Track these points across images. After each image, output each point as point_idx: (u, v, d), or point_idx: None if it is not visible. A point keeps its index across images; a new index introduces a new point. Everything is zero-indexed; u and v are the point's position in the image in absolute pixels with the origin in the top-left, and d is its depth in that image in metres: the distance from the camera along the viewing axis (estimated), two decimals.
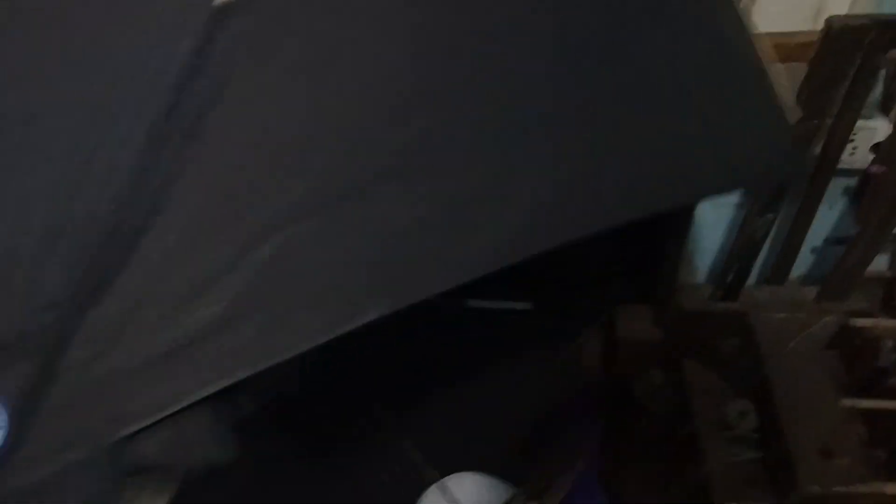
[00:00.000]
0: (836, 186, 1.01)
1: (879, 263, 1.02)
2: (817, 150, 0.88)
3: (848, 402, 0.86)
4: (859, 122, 0.88)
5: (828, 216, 1.02)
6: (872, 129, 0.91)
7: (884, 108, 0.90)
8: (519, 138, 0.49)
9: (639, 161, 0.53)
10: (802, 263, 1.03)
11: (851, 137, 0.88)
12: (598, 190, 0.52)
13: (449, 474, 0.91)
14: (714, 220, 1.04)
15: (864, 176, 0.95)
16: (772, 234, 0.98)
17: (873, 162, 0.93)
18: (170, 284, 0.45)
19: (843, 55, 0.79)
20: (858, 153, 0.93)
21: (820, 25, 0.80)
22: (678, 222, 1.00)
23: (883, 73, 0.87)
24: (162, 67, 0.45)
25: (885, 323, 0.89)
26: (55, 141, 0.46)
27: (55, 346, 0.44)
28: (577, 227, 0.50)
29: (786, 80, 0.63)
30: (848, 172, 0.98)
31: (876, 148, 0.93)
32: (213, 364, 0.44)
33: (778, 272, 0.98)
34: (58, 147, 0.46)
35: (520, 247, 0.48)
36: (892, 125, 0.88)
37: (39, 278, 0.45)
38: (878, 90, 0.89)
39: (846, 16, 0.82)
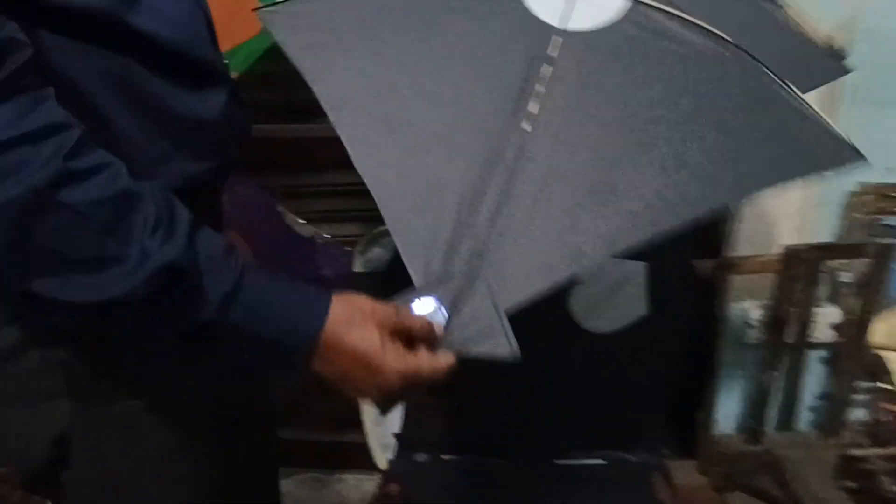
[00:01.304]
0: (815, 356, 1.40)
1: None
2: (792, 330, 1.28)
3: None
4: (817, 309, 1.30)
5: (816, 377, 1.40)
6: (828, 315, 1.33)
7: (832, 299, 1.32)
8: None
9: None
10: (806, 414, 1.39)
11: (813, 320, 1.29)
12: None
13: None
14: (728, 386, 1.41)
15: (832, 347, 1.35)
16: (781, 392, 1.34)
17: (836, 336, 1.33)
18: (531, 221, 0.71)
19: (796, 267, 1.23)
20: (822, 331, 1.33)
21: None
22: (710, 389, 1.37)
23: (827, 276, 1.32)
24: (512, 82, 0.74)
25: (874, 451, 1.22)
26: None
27: (473, 267, 0.67)
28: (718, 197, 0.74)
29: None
30: (819, 346, 1.38)
31: (835, 327, 1.34)
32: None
33: (787, 420, 1.33)
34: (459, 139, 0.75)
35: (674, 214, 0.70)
36: (840, 310, 1.30)
37: (463, 227, 0.69)
38: (824, 288, 1.33)
39: (796, 244, 1.28)
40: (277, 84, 1.36)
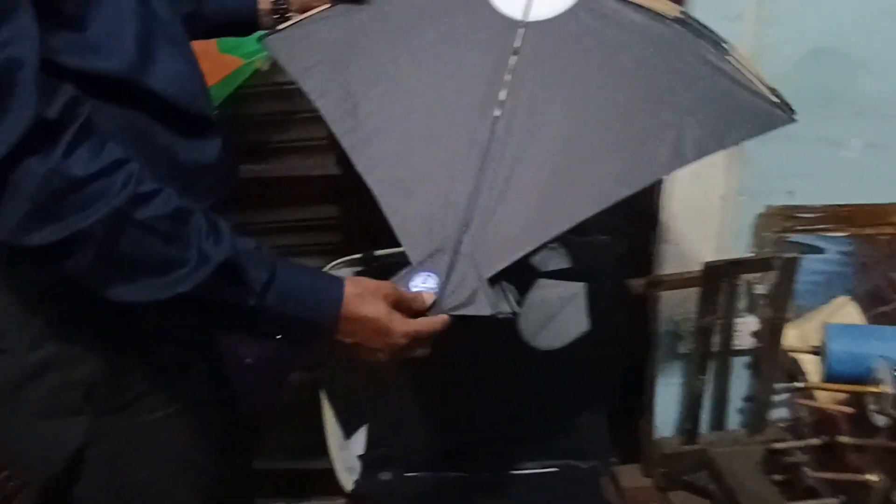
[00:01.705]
0: (739, 361, 1.54)
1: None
2: (717, 339, 1.42)
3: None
4: (738, 319, 1.44)
5: (741, 380, 1.54)
6: (747, 324, 1.48)
7: (749, 309, 1.47)
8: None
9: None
10: (734, 414, 1.53)
11: (735, 329, 1.44)
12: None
13: None
14: (665, 392, 1.54)
15: (752, 352, 1.50)
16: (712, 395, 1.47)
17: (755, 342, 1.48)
18: (505, 197, 0.83)
19: (717, 281, 1.38)
20: (743, 338, 1.48)
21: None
22: (649, 397, 1.49)
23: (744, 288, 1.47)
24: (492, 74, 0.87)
25: (794, 444, 1.35)
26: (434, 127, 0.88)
27: (457, 242, 0.80)
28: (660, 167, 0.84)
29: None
30: (742, 352, 1.52)
31: (754, 334, 1.49)
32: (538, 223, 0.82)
33: (718, 421, 1.46)
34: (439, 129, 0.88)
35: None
36: (757, 319, 1.45)
37: (448, 205, 0.82)
38: (743, 299, 1.48)
39: (715, 260, 1.42)
40: (234, 127, 1.44)
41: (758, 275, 1.41)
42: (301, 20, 1.01)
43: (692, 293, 1.43)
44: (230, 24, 1.02)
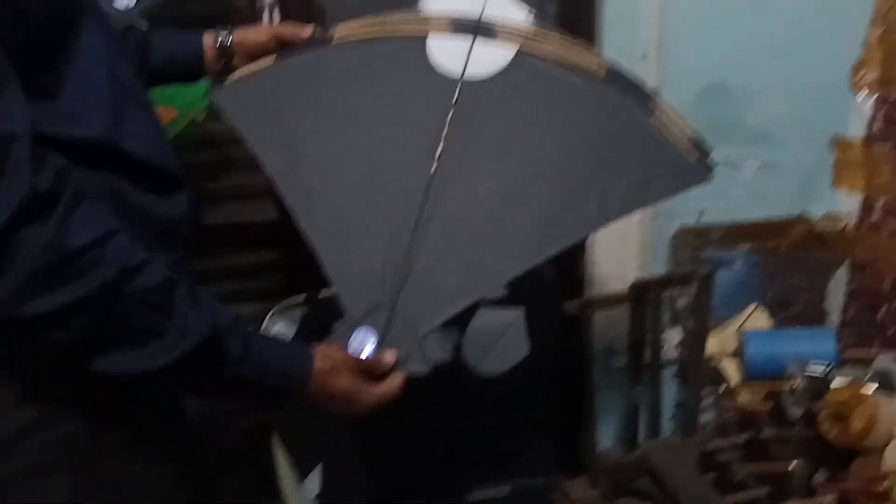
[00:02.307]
0: (669, 371, 1.66)
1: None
2: (648, 351, 1.53)
3: (731, 497, 1.38)
4: (665, 332, 1.56)
5: (671, 389, 1.65)
6: (673, 336, 1.60)
7: (673, 322, 1.60)
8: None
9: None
10: (668, 421, 1.63)
11: (663, 341, 1.55)
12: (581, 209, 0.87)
13: None
14: (604, 406, 1.63)
15: (679, 362, 1.61)
16: (646, 409, 1.57)
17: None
18: (440, 254, 0.85)
19: (643, 298, 1.49)
20: (670, 350, 1.60)
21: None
22: (589, 412, 1.57)
23: (666, 303, 1.59)
24: (424, 134, 0.90)
25: (722, 443, 1.46)
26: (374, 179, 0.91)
27: (394, 298, 0.82)
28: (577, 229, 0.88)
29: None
30: (670, 363, 1.64)
31: (679, 345, 1.61)
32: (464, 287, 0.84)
33: (654, 429, 1.56)
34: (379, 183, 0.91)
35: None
36: (681, 331, 1.57)
37: (386, 261, 0.84)
38: (667, 313, 1.60)
39: (641, 278, 1.54)
40: None
41: (678, 289, 1.53)
42: (247, 75, 1.03)
43: (621, 311, 1.54)
44: (176, 72, 1.03)
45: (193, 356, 0.63)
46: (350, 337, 0.81)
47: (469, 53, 0.98)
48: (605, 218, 0.88)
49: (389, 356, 0.80)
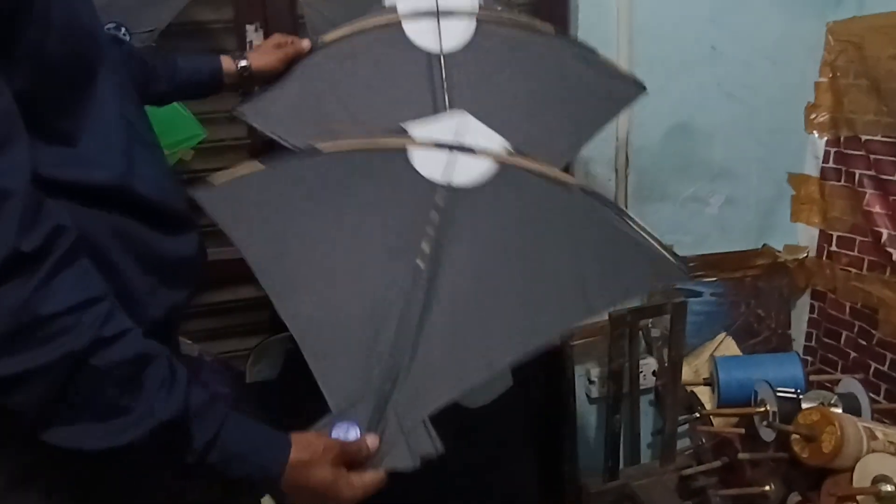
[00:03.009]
0: (645, 399, 1.71)
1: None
2: (626, 380, 1.58)
3: None
4: (641, 361, 1.62)
5: (649, 417, 1.70)
6: (649, 364, 1.66)
7: (649, 351, 1.65)
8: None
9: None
10: (646, 448, 1.67)
11: (640, 370, 1.61)
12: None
13: None
14: (585, 436, 1.67)
15: (655, 389, 1.67)
16: (625, 437, 1.61)
17: (656, 380, 1.66)
18: (427, 348, 0.85)
19: (620, 328, 1.54)
20: (647, 378, 1.65)
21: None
22: (570, 442, 1.60)
23: (641, 333, 1.65)
24: (412, 235, 0.93)
25: (698, 469, 1.51)
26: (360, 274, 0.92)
27: (380, 391, 0.81)
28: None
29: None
30: (647, 391, 1.69)
31: (654, 373, 1.66)
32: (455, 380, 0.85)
33: (634, 456, 1.60)
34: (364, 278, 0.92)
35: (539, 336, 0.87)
36: (656, 361, 1.63)
37: (371, 355, 0.83)
38: (642, 343, 1.66)
39: (617, 309, 1.59)
40: None
41: (652, 319, 1.59)
42: (234, 178, 1.05)
43: (599, 342, 1.59)
44: (196, 93, 1.12)
45: (156, 438, 0.60)
46: (333, 428, 0.78)
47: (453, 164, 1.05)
48: (589, 310, 0.93)
49: (372, 440, 0.77)
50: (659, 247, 0.99)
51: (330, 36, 1.18)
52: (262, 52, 1.15)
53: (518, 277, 0.95)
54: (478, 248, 0.97)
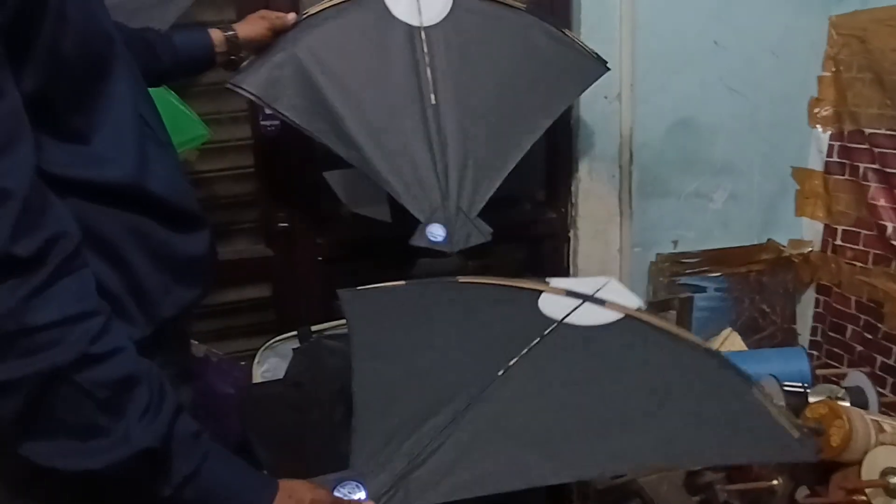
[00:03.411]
0: None
1: None
2: None
3: None
4: None
5: None
6: None
7: None
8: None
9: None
10: None
11: None
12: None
13: None
14: None
15: None
16: None
17: None
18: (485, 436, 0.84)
19: None
20: None
21: None
22: None
23: None
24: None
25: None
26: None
27: (403, 470, 0.79)
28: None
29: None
30: None
31: None
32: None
33: None
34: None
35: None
36: None
37: (415, 432, 0.82)
38: None
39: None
40: None
41: (661, 314, 1.59)
42: (375, 287, 1.16)
43: None
44: (191, 67, 1.15)
45: (130, 465, 0.58)
46: (339, 484, 0.77)
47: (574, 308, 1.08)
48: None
49: None
50: (786, 421, 0.93)
51: (314, 8, 1.26)
52: (248, 22, 1.19)
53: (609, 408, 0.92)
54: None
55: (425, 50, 1.22)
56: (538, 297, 1.09)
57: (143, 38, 1.04)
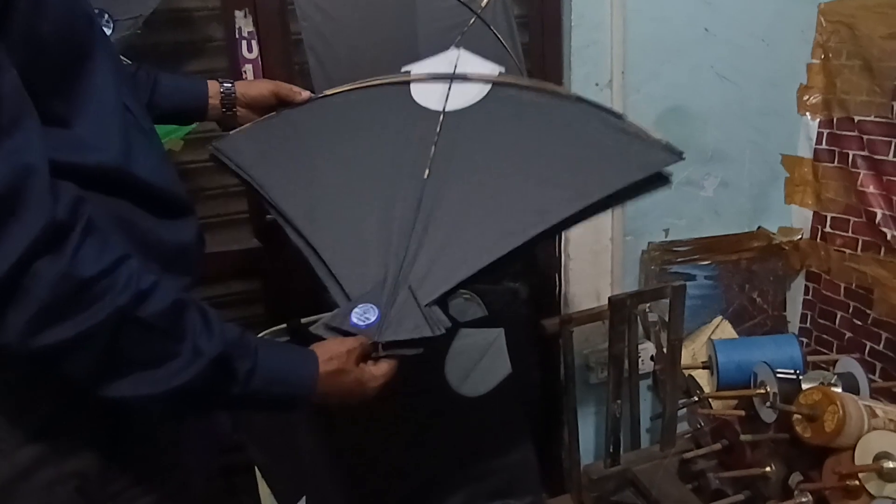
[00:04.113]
0: (645, 384, 1.71)
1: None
2: (626, 365, 1.57)
3: None
4: (639, 346, 1.61)
5: (648, 401, 1.70)
6: (647, 349, 1.66)
7: (647, 336, 1.65)
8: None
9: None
10: (646, 433, 1.67)
11: (639, 355, 1.60)
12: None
13: None
14: (585, 422, 1.66)
15: (653, 374, 1.67)
16: (625, 422, 1.61)
17: (654, 365, 1.65)
18: (443, 236, 0.94)
19: (620, 313, 1.54)
20: (646, 363, 1.65)
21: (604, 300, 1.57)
22: (571, 428, 1.60)
23: (640, 317, 1.65)
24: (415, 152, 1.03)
25: (697, 452, 1.51)
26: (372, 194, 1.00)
27: (396, 275, 0.90)
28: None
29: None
30: (646, 375, 1.69)
31: (653, 357, 1.66)
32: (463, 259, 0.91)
33: (635, 440, 1.60)
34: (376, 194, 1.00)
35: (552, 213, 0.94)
36: (654, 345, 1.62)
37: (388, 254, 0.92)
38: (640, 328, 1.65)
39: (616, 294, 1.59)
40: None
41: (652, 303, 1.59)
42: (248, 126, 1.11)
43: (597, 327, 1.58)
44: (179, 114, 1.08)
45: (206, 375, 0.64)
46: (351, 311, 0.86)
47: (448, 91, 1.13)
48: (585, 198, 0.96)
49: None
50: (653, 135, 1.03)
51: (332, 90, 1.18)
52: (253, 80, 1.16)
53: (518, 171, 1.01)
54: (478, 149, 1.06)
55: (437, 130, 1.09)
56: (408, 90, 1.15)
57: (131, 73, 1.00)
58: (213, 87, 1.07)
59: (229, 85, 1.08)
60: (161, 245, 0.72)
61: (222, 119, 1.11)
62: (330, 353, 0.77)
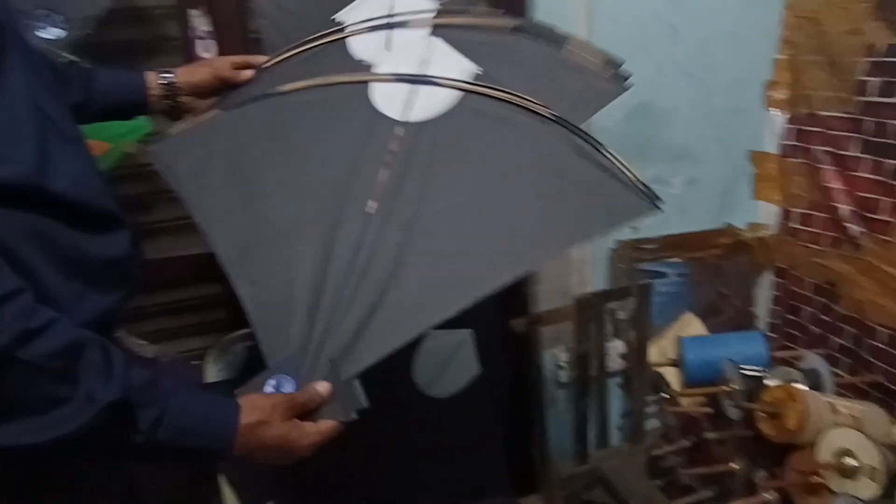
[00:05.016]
0: (613, 382, 1.71)
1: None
2: (594, 363, 1.57)
3: (680, 500, 1.42)
4: (608, 344, 1.61)
5: (617, 399, 1.70)
6: (615, 347, 1.65)
7: (616, 334, 1.65)
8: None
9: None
10: (615, 431, 1.67)
11: (607, 353, 1.60)
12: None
13: None
14: (554, 420, 1.66)
15: (622, 372, 1.66)
16: (594, 420, 1.61)
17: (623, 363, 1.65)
18: (372, 297, 0.81)
19: (586, 312, 1.53)
20: (614, 361, 1.65)
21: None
22: (540, 427, 1.59)
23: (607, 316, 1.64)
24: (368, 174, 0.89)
25: (666, 449, 1.52)
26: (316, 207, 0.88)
27: (318, 345, 0.79)
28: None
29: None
30: (615, 373, 1.69)
31: (621, 356, 1.66)
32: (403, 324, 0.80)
33: (603, 439, 1.60)
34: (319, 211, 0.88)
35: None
36: (623, 343, 1.62)
37: (316, 312, 0.81)
38: (609, 326, 1.65)
39: (584, 293, 1.59)
40: None
41: (618, 302, 1.59)
42: (185, 129, 1.03)
43: (567, 326, 1.58)
44: (120, 109, 1.01)
45: (100, 422, 0.59)
46: (265, 382, 0.77)
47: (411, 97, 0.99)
48: (544, 257, 0.93)
49: (322, 386, 0.75)
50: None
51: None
52: (192, 65, 1.06)
53: (475, 209, 0.89)
54: (435, 180, 0.91)
55: (393, 149, 0.93)
56: (366, 90, 1.00)
57: (60, 69, 0.93)
58: (152, 77, 1.00)
59: (169, 74, 1.01)
60: (86, 260, 0.68)
61: (169, 111, 1.04)
62: (254, 403, 0.71)
